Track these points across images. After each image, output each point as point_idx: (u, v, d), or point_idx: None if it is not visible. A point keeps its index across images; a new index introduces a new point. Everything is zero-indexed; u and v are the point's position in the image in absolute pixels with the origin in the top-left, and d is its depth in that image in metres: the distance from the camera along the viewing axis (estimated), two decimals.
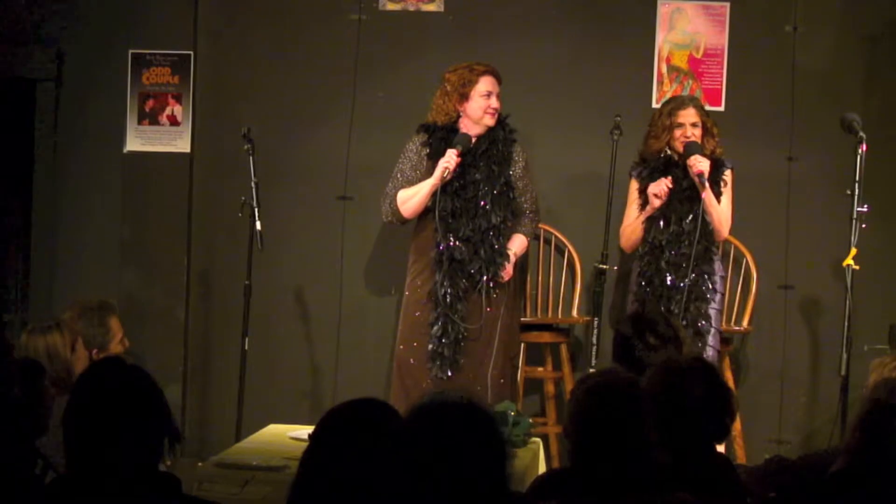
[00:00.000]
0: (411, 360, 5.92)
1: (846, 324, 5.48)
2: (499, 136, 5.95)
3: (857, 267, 5.48)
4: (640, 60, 6.62)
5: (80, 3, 6.84)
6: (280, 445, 4.95)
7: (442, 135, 5.95)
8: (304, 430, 5.07)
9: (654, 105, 6.59)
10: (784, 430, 6.55)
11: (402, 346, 5.99)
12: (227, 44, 6.78)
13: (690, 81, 6.60)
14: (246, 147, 6.09)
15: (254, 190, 6.02)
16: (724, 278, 5.96)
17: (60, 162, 6.87)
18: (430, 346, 5.85)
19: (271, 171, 6.47)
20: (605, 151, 5.91)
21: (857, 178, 5.47)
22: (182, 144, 6.71)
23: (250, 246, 6.05)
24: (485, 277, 5.86)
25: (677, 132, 5.84)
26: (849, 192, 5.47)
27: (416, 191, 5.91)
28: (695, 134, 5.83)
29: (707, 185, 5.73)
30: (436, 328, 5.85)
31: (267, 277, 6.49)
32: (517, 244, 5.97)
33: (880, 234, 6.21)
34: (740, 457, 5.98)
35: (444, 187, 5.82)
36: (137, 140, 6.71)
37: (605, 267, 5.80)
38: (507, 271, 5.90)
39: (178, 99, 6.69)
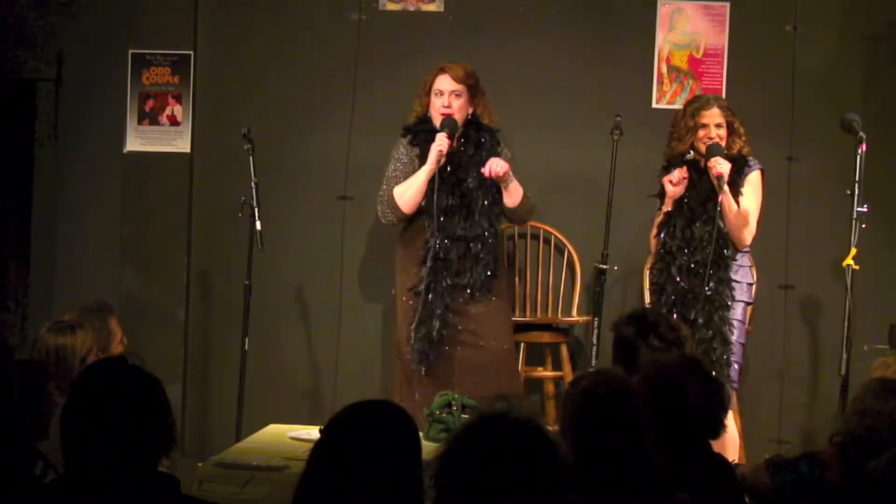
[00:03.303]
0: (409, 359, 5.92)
1: (846, 324, 5.47)
2: (483, 140, 5.96)
3: (857, 267, 5.47)
4: (640, 60, 6.61)
5: (80, 3, 6.83)
6: (280, 445, 4.95)
7: (423, 128, 5.97)
8: (305, 430, 5.08)
9: (654, 105, 6.60)
10: (784, 430, 6.55)
11: (403, 348, 6.00)
12: (227, 44, 6.78)
13: (690, 81, 6.60)
14: (246, 147, 6.10)
15: (254, 190, 6.02)
16: (751, 286, 5.85)
17: (60, 162, 6.87)
18: (411, 342, 5.87)
19: (271, 171, 6.47)
20: (606, 151, 5.90)
21: (857, 178, 5.46)
22: (182, 144, 6.71)
23: (250, 246, 6.05)
24: (468, 290, 5.86)
25: (701, 133, 5.74)
26: (849, 192, 5.46)
27: (411, 182, 5.92)
28: (719, 135, 5.73)
29: (726, 188, 5.64)
30: (414, 323, 5.86)
31: (267, 277, 6.49)
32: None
33: (880, 234, 6.21)
34: (740, 457, 5.98)
35: (439, 183, 5.82)
36: (137, 140, 6.71)
37: (605, 267, 5.80)
38: (490, 167, 5.85)
39: (178, 99, 6.69)
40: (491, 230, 5.91)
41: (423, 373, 5.86)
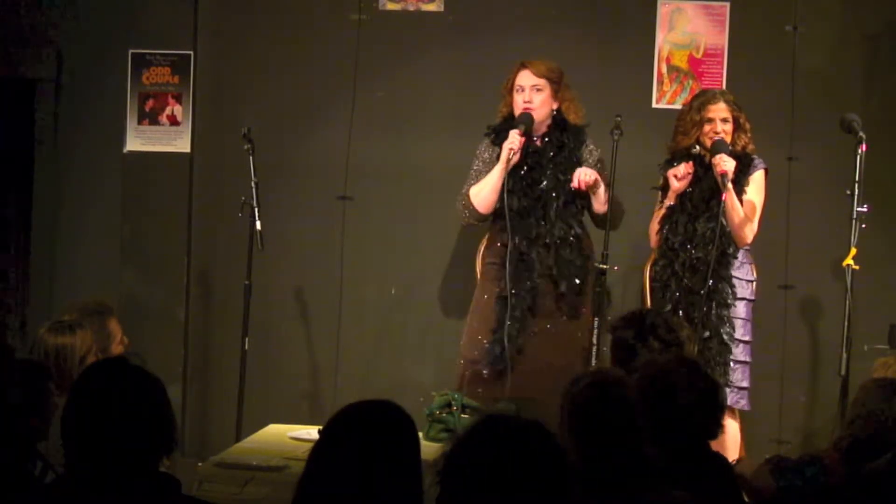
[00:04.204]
0: (478, 363, 5.79)
1: (846, 324, 5.46)
2: (566, 141, 5.81)
3: (857, 267, 5.46)
4: (640, 60, 6.61)
5: (80, 3, 6.83)
6: (280, 445, 4.96)
7: (501, 127, 5.83)
8: (305, 430, 5.08)
9: (654, 105, 6.60)
10: (784, 430, 6.55)
11: (468, 346, 5.86)
12: (227, 44, 6.78)
13: (690, 81, 6.60)
14: (246, 147, 6.10)
15: (254, 190, 6.02)
16: (752, 283, 5.82)
17: (60, 162, 6.87)
18: (487, 346, 5.73)
19: (271, 171, 6.47)
20: (606, 151, 5.89)
21: (857, 178, 5.45)
22: (182, 144, 6.71)
23: (250, 246, 6.05)
24: (559, 297, 5.73)
25: (707, 128, 5.72)
26: (849, 192, 5.46)
27: (485, 181, 5.78)
28: (725, 130, 5.70)
29: (730, 186, 5.61)
30: (496, 328, 5.72)
31: (267, 277, 6.48)
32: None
33: (880, 234, 6.21)
34: (740, 457, 5.98)
35: (512, 184, 5.71)
36: (137, 140, 6.71)
37: (605, 267, 5.78)
38: (578, 178, 5.69)
39: (178, 99, 6.69)
40: (574, 232, 5.75)
41: (491, 375, 5.68)
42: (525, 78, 5.80)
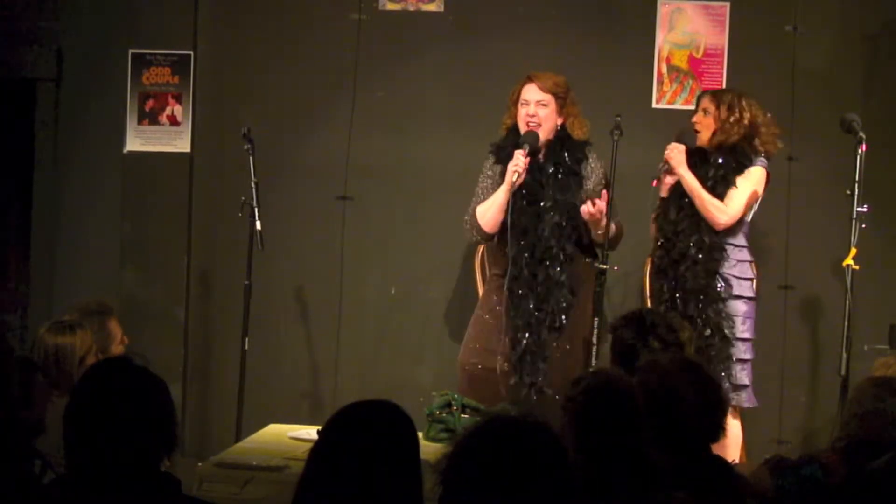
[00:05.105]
0: (479, 366, 5.77)
1: (846, 324, 5.47)
2: (567, 158, 5.76)
3: (857, 267, 5.47)
4: (640, 60, 6.62)
5: (80, 3, 6.84)
6: (280, 445, 4.96)
7: (505, 144, 5.80)
8: (305, 430, 5.08)
9: (654, 105, 6.61)
10: (784, 430, 6.55)
11: (470, 346, 5.85)
12: (227, 44, 6.79)
13: (690, 81, 6.60)
14: (246, 147, 6.10)
15: (254, 190, 6.03)
16: (752, 281, 5.79)
17: (60, 162, 6.87)
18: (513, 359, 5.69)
19: (271, 171, 6.47)
20: (606, 151, 5.89)
21: (857, 178, 5.46)
22: (182, 144, 6.71)
23: (250, 246, 6.05)
24: (548, 319, 5.69)
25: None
26: (849, 192, 5.47)
27: (491, 201, 5.74)
28: (698, 119, 5.75)
29: (664, 177, 5.71)
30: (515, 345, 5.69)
31: (267, 277, 6.49)
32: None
33: (880, 234, 6.20)
34: (740, 457, 5.98)
35: (517, 200, 5.67)
36: (137, 140, 6.71)
37: (605, 267, 5.78)
38: (588, 208, 5.61)
39: (178, 99, 6.69)
40: (566, 252, 5.69)
41: (533, 397, 5.62)
42: (531, 92, 5.77)
